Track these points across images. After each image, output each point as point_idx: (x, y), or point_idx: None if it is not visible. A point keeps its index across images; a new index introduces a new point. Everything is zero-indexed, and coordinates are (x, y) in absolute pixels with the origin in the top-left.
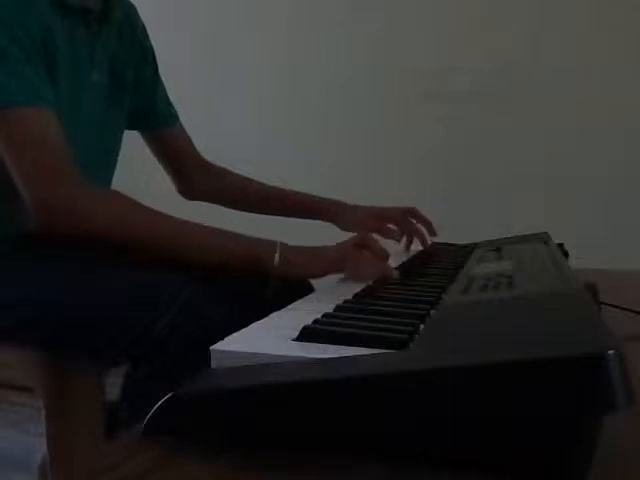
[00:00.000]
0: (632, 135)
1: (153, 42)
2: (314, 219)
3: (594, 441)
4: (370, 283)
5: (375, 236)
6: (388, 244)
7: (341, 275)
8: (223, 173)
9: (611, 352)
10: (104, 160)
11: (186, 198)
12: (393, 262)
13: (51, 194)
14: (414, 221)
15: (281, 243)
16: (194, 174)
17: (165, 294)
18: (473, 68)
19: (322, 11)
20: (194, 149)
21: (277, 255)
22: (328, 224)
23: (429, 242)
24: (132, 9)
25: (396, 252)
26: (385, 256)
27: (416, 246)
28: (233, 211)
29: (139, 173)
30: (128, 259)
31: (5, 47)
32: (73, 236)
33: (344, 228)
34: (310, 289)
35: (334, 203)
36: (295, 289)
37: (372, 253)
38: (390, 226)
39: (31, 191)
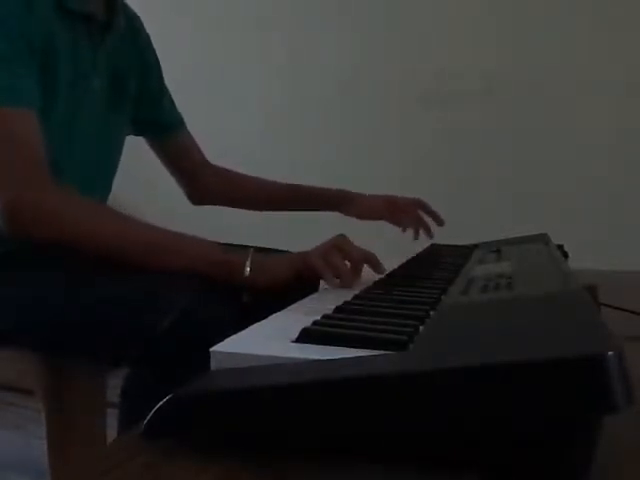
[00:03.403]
0: (632, 135)
1: (154, 42)
2: (322, 210)
3: (594, 441)
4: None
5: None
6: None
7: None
8: (230, 175)
9: (611, 353)
10: (104, 165)
11: (194, 203)
12: (394, 263)
13: (17, 197)
14: (422, 213)
15: (252, 251)
16: (203, 179)
17: (165, 296)
18: (473, 68)
19: (322, 12)
20: (201, 154)
21: (248, 264)
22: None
23: (433, 236)
24: (136, 20)
25: (397, 252)
26: (360, 262)
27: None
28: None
29: (141, 180)
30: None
31: None
32: (43, 241)
33: (357, 216)
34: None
35: (342, 192)
36: (297, 290)
37: (346, 258)
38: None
39: None
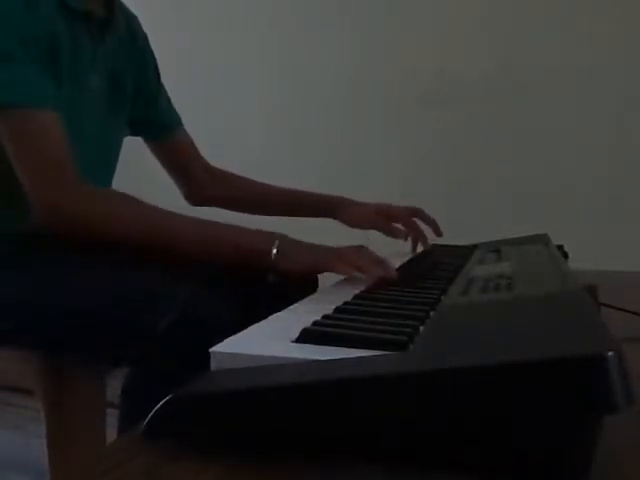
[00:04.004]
0: (632, 135)
1: (154, 42)
2: (318, 217)
3: (594, 441)
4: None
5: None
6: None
7: (340, 277)
8: (228, 177)
9: (611, 353)
10: (103, 165)
11: (193, 204)
12: (395, 263)
13: (53, 194)
14: (419, 222)
15: (281, 236)
16: (200, 179)
17: (165, 295)
18: (473, 69)
19: (322, 12)
20: (198, 154)
21: (275, 247)
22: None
23: (429, 245)
24: (134, 20)
25: (398, 253)
26: (377, 266)
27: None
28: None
29: (141, 178)
30: (127, 260)
31: (12, 50)
32: (75, 235)
33: (348, 224)
34: (314, 288)
35: (337, 199)
36: (297, 288)
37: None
38: (397, 225)
39: (34, 190)
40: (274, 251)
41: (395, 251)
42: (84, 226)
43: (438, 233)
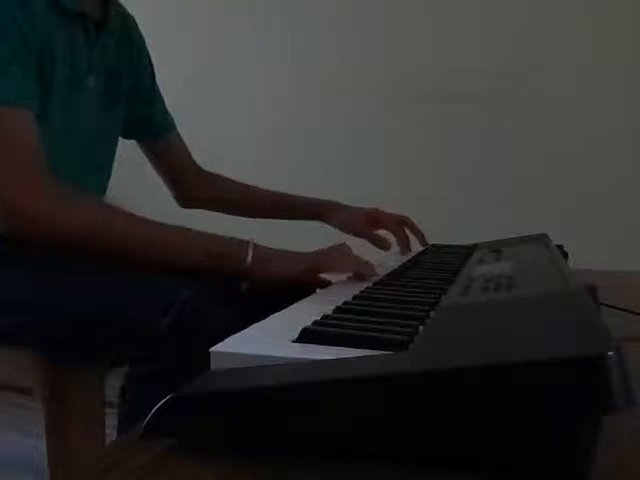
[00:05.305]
0: (632, 135)
1: (154, 43)
2: (307, 220)
3: (594, 441)
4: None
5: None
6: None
7: (341, 277)
8: (217, 179)
9: (611, 353)
10: (99, 164)
11: (182, 206)
12: (393, 263)
13: (19, 198)
14: (407, 231)
15: (255, 243)
16: (190, 181)
17: (165, 295)
18: (473, 69)
19: (322, 12)
20: (190, 157)
21: (250, 254)
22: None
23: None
24: (131, 20)
25: (397, 253)
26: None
27: (416, 248)
28: (229, 216)
29: (141, 180)
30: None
31: None
32: (42, 241)
33: (336, 227)
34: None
35: (326, 203)
36: (296, 289)
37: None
38: (381, 232)
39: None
40: (249, 259)
41: (392, 252)
42: (52, 233)
43: (423, 244)
